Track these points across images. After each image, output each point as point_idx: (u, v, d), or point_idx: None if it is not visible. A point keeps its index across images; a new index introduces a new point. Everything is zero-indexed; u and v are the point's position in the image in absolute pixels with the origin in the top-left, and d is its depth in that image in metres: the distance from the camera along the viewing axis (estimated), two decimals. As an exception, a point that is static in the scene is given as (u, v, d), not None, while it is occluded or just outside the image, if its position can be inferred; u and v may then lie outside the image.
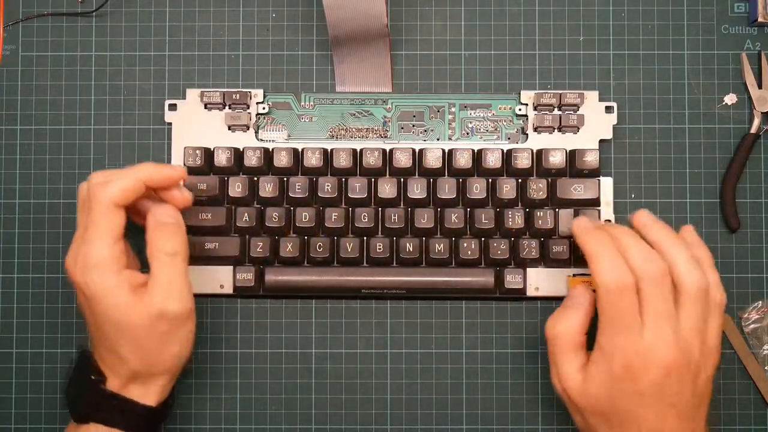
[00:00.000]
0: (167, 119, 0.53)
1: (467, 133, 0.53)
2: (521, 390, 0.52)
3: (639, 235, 0.45)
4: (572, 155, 0.52)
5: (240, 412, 0.53)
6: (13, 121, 0.54)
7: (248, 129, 0.53)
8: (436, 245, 0.51)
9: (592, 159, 0.51)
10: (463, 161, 0.51)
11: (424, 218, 0.51)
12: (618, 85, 0.53)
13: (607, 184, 0.52)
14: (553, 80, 0.54)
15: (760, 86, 0.53)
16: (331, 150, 0.52)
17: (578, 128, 0.52)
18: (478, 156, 0.52)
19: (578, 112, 0.52)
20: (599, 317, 0.44)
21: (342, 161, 0.51)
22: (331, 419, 0.52)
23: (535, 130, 0.52)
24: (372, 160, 0.51)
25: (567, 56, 0.54)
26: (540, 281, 0.52)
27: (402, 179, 0.52)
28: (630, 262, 0.43)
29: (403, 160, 0.51)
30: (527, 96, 0.52)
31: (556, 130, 0.52)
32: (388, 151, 0.52)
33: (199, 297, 0.52)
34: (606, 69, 0.54)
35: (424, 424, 0.52)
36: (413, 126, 0.53)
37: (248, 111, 0.53)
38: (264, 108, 0.53)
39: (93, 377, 0.45)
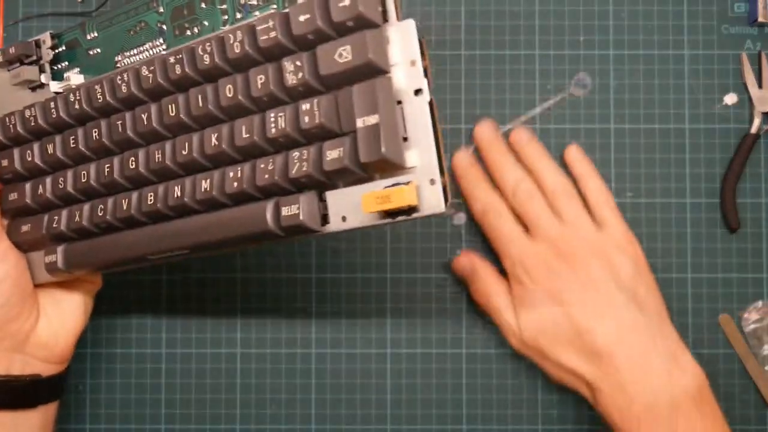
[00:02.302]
0: None
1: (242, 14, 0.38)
2: (521, 390, 0.52)
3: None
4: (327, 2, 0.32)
5: (240, 412, 0.53)
6: (13, 121, 0.54)
7: (43, 85, 0.44)
8: (203, 182, 0.37)
9: None
10: (195, 65, 0.37)
11: (161, 152, 0.38)
12: (618, 85, 0.53)
13: (403, 31, 0.32)
14: (554, 80, 0.54)
15: (760, 86, 0.53)
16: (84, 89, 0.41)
17: None
18: (219, 46, 0.36)
19: None
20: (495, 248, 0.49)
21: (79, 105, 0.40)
22: (331, 419, 0.53)
23: None
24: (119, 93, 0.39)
25: (567, 56, 0.54)
26: (339, 208, 0.34)
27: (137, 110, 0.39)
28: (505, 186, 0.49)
29: (131, 85, 0.39)
30: None
31: None
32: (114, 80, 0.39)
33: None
34: (606, 69, 0.54)
35: (424, 424, 0.52)
36: (186, 25, 0.40)
37: (40, 62, 0.44)
38: (49, 55, 0.44)
39: None
